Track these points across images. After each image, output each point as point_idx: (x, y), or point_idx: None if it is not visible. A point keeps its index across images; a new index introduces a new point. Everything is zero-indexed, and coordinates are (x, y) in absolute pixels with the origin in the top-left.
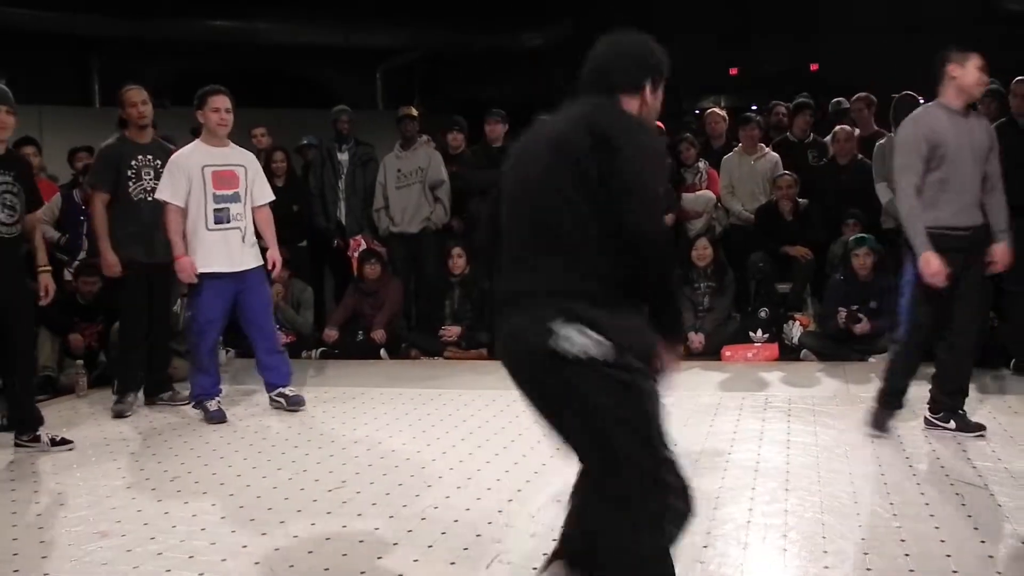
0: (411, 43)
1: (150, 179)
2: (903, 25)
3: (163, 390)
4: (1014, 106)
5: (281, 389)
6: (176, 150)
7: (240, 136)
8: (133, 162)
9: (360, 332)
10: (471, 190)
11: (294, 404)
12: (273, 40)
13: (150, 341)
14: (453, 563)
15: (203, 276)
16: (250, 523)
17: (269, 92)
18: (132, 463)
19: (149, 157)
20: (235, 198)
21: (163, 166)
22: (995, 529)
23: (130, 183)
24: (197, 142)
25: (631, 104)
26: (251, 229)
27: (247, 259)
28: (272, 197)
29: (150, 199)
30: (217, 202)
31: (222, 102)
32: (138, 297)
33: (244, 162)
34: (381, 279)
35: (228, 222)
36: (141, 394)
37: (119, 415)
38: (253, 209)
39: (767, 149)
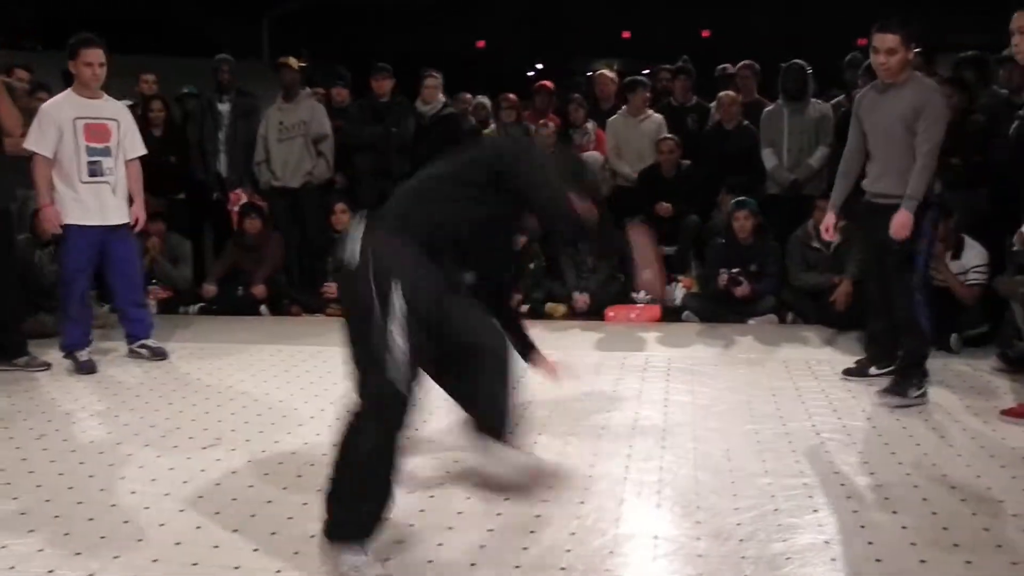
0: None
1: None
2: None
3: (18, 354)
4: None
5: (144, 341)
6: None
7: (128, 82)
8: None
9: (240, 287)
10: (355, 145)
11: (157, 354)
12: None
13: None
14: None
15: (72, 227)
16: (120, 481)
17: (149, 39)
18: None
19: None
20: (107, 152)
21: None
22: (859, 482)
23: None
24: (69, 92)
25: None
26: (122, 183)
27: (119, 213)
28: (144, 151)
29: None
30: (90, 155)
31: (95, 56)
32: None
33: (117, 115)
34: (261, 234)
35: (101, 175)
36: None
37: None
38: (125, 163)
39: (651, 112)
